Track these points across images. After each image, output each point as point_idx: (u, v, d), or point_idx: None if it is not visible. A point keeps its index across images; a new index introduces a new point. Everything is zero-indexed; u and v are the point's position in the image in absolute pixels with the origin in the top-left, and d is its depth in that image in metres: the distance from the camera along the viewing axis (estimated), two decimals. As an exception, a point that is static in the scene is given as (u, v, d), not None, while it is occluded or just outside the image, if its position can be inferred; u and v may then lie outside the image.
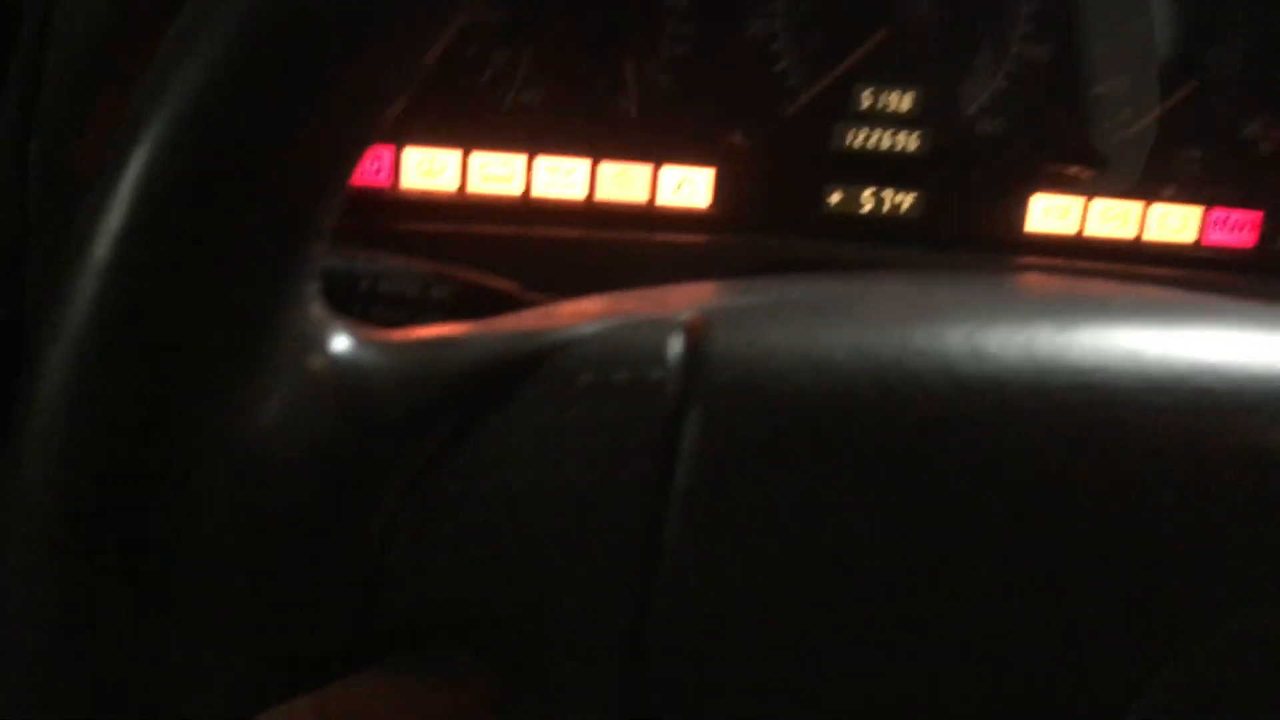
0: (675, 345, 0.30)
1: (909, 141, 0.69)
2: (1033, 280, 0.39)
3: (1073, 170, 0.69)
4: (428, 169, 0.65)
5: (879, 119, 0.68)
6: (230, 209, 0.26)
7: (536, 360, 0.30)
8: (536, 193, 0.67)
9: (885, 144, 0.68)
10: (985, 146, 0.69)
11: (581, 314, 0.32)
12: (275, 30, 0.25)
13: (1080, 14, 0.67)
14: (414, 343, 0.30)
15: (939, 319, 0.30)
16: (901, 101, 0.68)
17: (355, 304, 0.44)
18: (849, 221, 0.70)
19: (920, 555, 0.28)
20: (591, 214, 0.67)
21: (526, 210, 0.67)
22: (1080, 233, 0.71)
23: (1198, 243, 0.71)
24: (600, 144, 0.66)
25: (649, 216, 0.68)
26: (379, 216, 0.65)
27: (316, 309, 0.28)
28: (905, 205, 0.70)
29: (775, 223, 0.69)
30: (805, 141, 0.68)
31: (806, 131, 0.68)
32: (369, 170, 0.65)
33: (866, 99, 0.68)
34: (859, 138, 0.68)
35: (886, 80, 0.67)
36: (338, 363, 0.28)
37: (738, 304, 0.31)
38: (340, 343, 0.29)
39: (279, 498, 0.28)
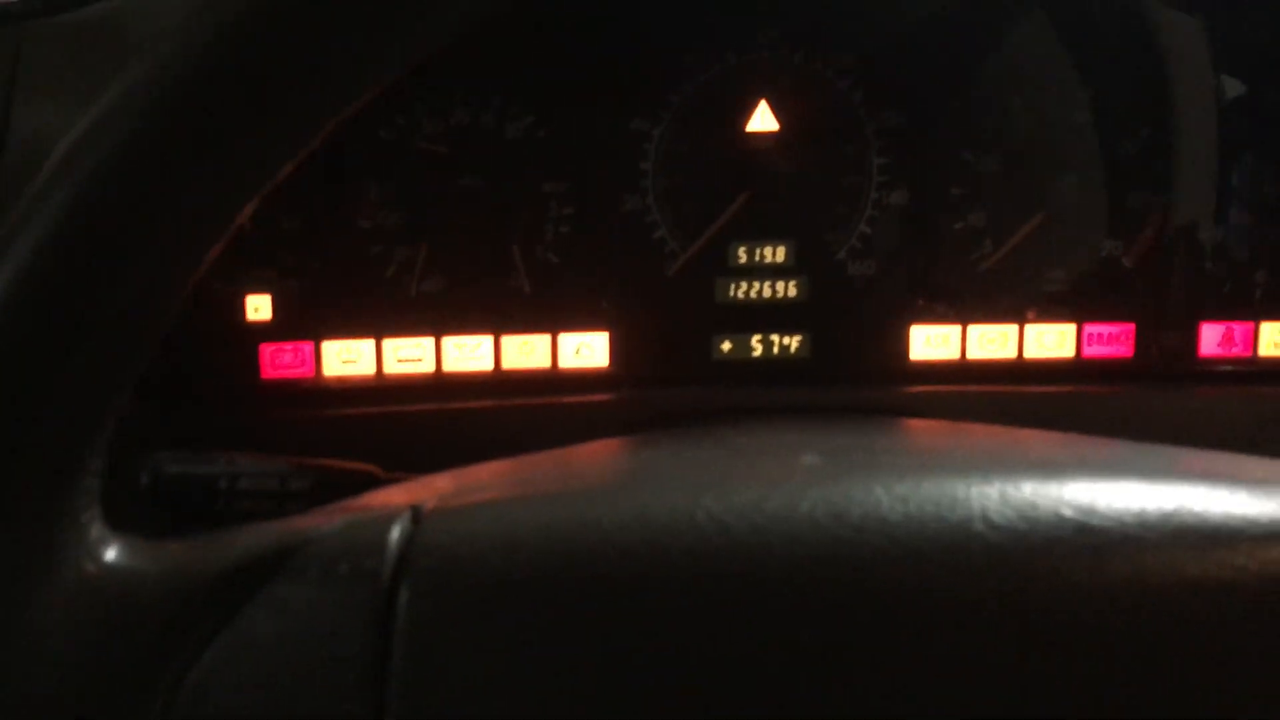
0: (395, 537, 0.35)
1: (788, 289, 0.74)
2: (740, 437, 0.44)
3: (942, 301, 0.74)
4: (346, 357, 0.73)
5: (756, 271, 0.74)
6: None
7: (279, 558, 0.35)
8: (448, 368, 0.73)
9: (766, 293, 0.74)
10: (859, 287, 0.74)
11: (334, 510, 0.37)
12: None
13: (928, 159, 0.73)
14: (176, 548, 0.36)
15: (617, 492, 0.36)
16: (776, 253, 0.74)
17: (218, 502, 0.50)
18: (743, 367, 0.75)
19: (605, 704, 0.33)
20: (501, 383, 0.74)
21: (440, 385, 0.73)
22: (963, 357, 0.75)
23: (1078, 357, 0.75)
24: (500, 320, 0.73)
25: (554, 380, 0.74)
26: (306, 405, 0.72)
27: (95, 529, 0.35)
28: (794, 347, 0.75)
29: (672, 375, 0.74)
30: (689, 298, 0.74)
31: (689, 289, 0.74)
32: (293, 363, 0.72)
33: (742, 254, 0.74)
34: (740, 290, 0.74)
35: (759, 236, 0.73)
36: (112, 571, 0.34)
37: (459, 493, 0.37)
38: (113, 553, 0.35)
39: (60, 691, 0.33)
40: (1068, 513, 0.33)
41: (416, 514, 0.36)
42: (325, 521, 0.36)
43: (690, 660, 0.33)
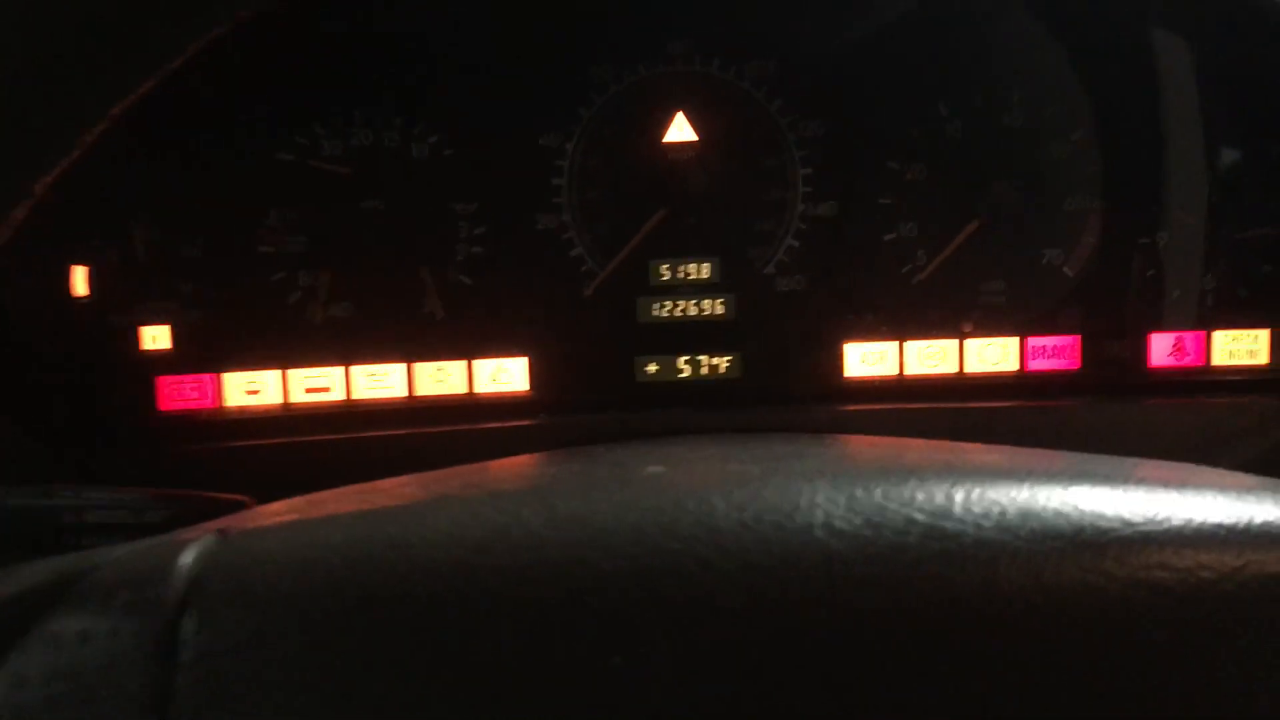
0: (186, 561, 0.32)
1: (714, 307, 0.71)
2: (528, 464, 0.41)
3: (875, 316, 0.71)
4: (250, 388, 0.69)
5: (680, 289, 0.71)
6: None
7: (57, 590, 0.32)
8: (358, 396, 0.70)
9: (692, 312, 0.71)
10: (789, 303, 0.71)
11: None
12: None
13: (854, 170, 0.69)
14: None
15: (435, 508, 0.32)
16: (700, 270, 0.71)
17: (64, 537, 0.46)
18: (669, 389, 0.71)
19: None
20: (415, 411, 0.70)
21: (351, 415, 0.70)
22: (901, 374, 0.72)
23: (1021, 371, 0.71)
24: (412, 347, 0.70)
25: (471, 407, 0.71)
26: (207, 437, 0.68)
27: None
28: (723, 367, 0.72)
29: (596, 399, 0.71)
30: (610, 318, 0.70)
31: (609, 309, 0.70)
32: (193, 395, 0.69)
33: (665, 272, 0.70)
34: (664, 309, 0.71)
35: (682, 252, 0.70)
36: None
37: (258, 519, 0.34)
38: None
39: None
40: (919, 517, 0.30)
41: (222, 535, 0.33)
42: (109, 550, 0.33)
43: (497, 683, 0.29)
